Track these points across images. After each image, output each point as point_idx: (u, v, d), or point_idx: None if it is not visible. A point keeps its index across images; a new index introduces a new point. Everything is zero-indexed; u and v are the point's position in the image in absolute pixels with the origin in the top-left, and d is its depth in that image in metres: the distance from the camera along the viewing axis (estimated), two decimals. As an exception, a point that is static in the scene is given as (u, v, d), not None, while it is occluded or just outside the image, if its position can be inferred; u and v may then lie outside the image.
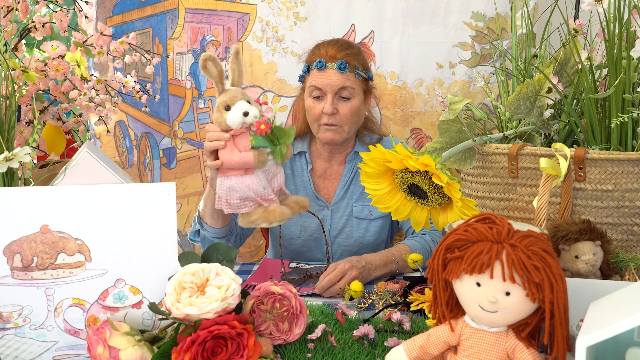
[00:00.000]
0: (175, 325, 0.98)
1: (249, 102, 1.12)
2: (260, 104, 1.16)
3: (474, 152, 1.26)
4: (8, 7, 1.30)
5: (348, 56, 1.65)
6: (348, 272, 1.39)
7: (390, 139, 1.84)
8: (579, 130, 1.23)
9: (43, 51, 1.34)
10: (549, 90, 1.24)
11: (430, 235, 1.64)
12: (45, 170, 1.28)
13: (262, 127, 1.09)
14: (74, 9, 1.42)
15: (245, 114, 1.09)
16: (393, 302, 1.25)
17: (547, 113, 1.26)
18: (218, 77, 1.14)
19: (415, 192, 1.16)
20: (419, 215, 1.21)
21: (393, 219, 1.25)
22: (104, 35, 1.37)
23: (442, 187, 1.09)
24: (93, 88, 1.37)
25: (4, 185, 1.10)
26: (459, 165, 1.25)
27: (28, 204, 0.96)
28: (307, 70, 1.70)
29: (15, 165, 1.01)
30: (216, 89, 1.15)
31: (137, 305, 1.00)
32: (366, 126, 1.81)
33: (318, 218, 1.60)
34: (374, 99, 1.79)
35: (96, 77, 1.39)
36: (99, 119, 1.43)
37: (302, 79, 1.75)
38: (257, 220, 1.11)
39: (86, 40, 1.37)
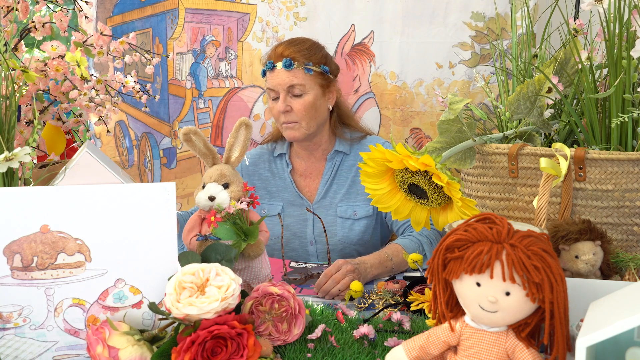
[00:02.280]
0: (175, 325, 0.98)
1: (227, 185, 1.08)
2: (248, 196, 1.10)
3: (474, 152, 1.26)
4: (8, 7, 1.30)
5: (294, 53, 1.66)
6: (349, 274, 1.38)
7: (376, 137, 1.83)
8: (579, 130, 1.23)
9: (43, 51, 1.34)
10: (549, 90, 1.24)
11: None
12: (45, 170, 1.28)
13: (212, 219, 1.05)
14: (74, 9, 1.41)
15: (211, 198, 1.06)
16: (393, 302, 1.25)
17: (547, 113, 1.26)
18: (205, 149, 1.11)
19: (415, 192, 1.16)
20: (419, 215, 1.21)
21: (393, 218, 1.25)
22: (104, 35, 1.37)
23: (442, 187, 1.09)
24: (93, 88, 1.37)
25: (4, 185, 1.10)
26: (459, 165, 1.25)
27: (28, 204, 0.96)
28: (264, 73, 1.72)
29: (15, 165, 1.01)
30: (205, 163, 1.12)
31: (137, 305, 1.00)
32: (342, 122, 1.81)
33: (319, 218, 1.60)
34: (337, 91, 1.78)
35: (96, 77, 1.39)
36: (99, 119, 1.43)
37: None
38: None
39: (86, 40, 1.37)
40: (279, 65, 1.65)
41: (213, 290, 0.92)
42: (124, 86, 1.46)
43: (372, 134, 1.86)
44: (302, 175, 1.81)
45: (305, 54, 1.67)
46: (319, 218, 1.58)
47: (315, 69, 1.68)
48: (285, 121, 1.69)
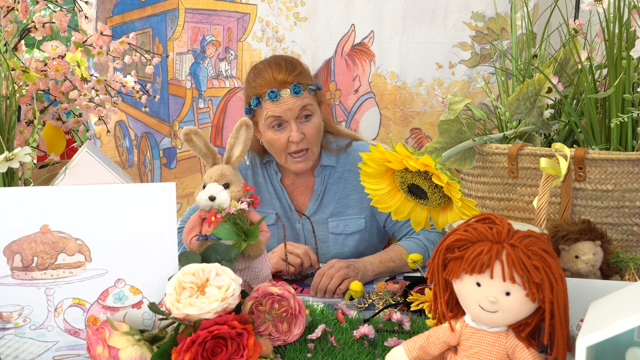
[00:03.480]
0: (175, 325, 0.98)
1: (227, 185, 1.08)
2: (248, 196, 1.10)
3: (474, 152, 1.26)
4: (8, 7, 1.30)
5: (298, 77, 1.58)
6: (342, 269, 1.37)
7: (362, 144, 1.74)
8: (578, 130, 1.23)
9: (43, 51, 1.34)
10: (549, 91, 1.24)
11: (423, 234, 1.60)
12: (45, 170, 1.28)
13: (213, 219, 1.05)
14: (73, 9, 1.41)
15: (212, 198, 1.06)
16: (393, 302, 1.25)
17: (547, 113, 1.26)
18: (206, 149, 1.11)
19: (415, 192, 1.16)
20: (419, 215, 1.21)
21: (393, 218, 1.25)
22: (104, 35, 1.37)
23: (442, 187, 1.09)
24: (93, 88, 1.37)
25: (4, 185, 1.10)
26: (459, 165, 1.25)
27: (28, 204, 0.96)
28: (258, 102, 1.59)
29: (15, 165, 1.01)
30: (206, 163, 1.12)
31: (137, 305, 1.00)
32: (327, 131, 1.74)
33: (310, 221, 1.55)
34: (324, 104, 1.72)
35: (96, 77, 1.39)
36: (99, 119, 1.43)
37: (250, 111, 1.63)
38: None
39: (86, 40, 1.37)
40: (286, 92, 1.56)
41: (213, 290, 0.92)
42: (124, 86, 1.46)
43: (357, 137, 1.81)
44: (288, 187, 1.76)
45: (304, 76, 1.61)
46: (310, 221, 1.55)
47: (314, 87, 1.64)
48: (297, 150, 1.60)
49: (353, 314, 1.13)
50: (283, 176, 1.74)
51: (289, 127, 1.58)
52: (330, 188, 1.72)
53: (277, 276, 1.46)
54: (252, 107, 1.62)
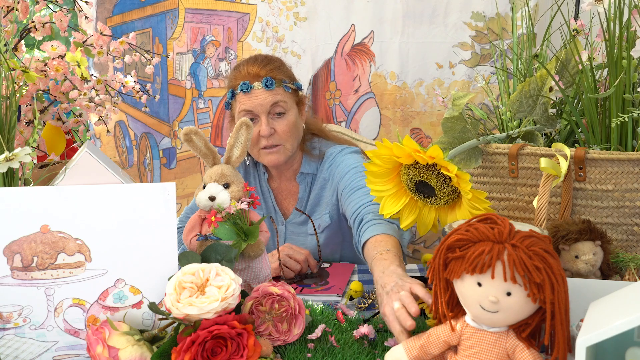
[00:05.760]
0: (175, 325, 0.98)
1: (227, 185, 1.08)
2: (248, 196, 1.10)
3: (479, 152, 1.25)
4: (8, 7, 1.30)
5: (272, 71, 1.59)
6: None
7: (339, 148, 1.69)
8: (579, 130, 1.23)
9: (43, 51, 1.34)
10: (551, 90, 1.24)
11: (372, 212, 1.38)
12: (45, 170, 1.28)
13: (213, 219, 1.05)
14: (73, 9, 1.41)
15: (212, 198, 1.07)
16: (393, 302, 1.25)
17: (551, 110, 1.26)
18: (206, 149, 1.11)
19: (422, 190, 1.14)
20: (426, 217, 1.19)
21: (401, 225, 1.22)
22: (104, 35, 1.37)
23: (450, 182, 1.07)
24: (93, 88, 1.37)
25: (4, 185, 1.10)
26: (465, 166, 1.24)
27: (28, 204, 0.96)
28: (233, 95, 1.61)
29: (15, 165, 1.01)
30: (206, 163, 1.12)
31: (137, 305, 1.00)
32: (314, 134, 1.74)
33: (311, 219, 1.54)
34: (308, 108, 1.72)
35: (96, 77, 1.39)
36: (99, 119, 1.43)
37: (228, 105, 1.66)
38: None
39: (86, 40, 1.37)
40: (258, 85, 1.57)
41: (213, 290, 0.92)
42: (124, 86, 1.46)
43: (342, 140, 1.78)
44: (275, 190, 1.76)
45: (281, 72, 1.61)
46: (311, 220, 1.54)
47: (291, 86, 1.63)
48: (267, 145, 1.60)
49: (353, 314, 1.13)
50: (270, 178, 1.76)
51: (260, 122, 1.58)
52: (313, 195, 1.72)
53: (277, 277, 1.46)
54: (228, 100, 1.64)
